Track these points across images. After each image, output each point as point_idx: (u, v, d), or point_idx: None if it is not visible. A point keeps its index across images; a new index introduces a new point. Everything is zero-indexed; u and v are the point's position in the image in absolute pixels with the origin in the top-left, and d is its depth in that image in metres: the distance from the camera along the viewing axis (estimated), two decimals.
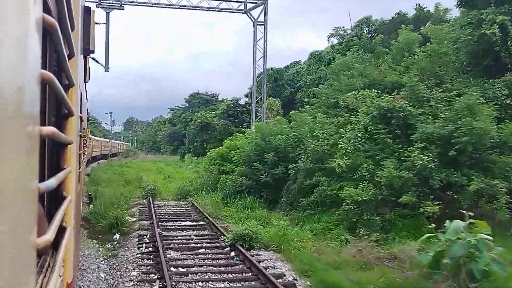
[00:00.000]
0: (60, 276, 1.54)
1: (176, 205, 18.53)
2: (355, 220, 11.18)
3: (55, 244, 1.42)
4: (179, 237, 11.85)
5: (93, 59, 11.66)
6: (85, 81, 6.07)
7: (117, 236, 11.60)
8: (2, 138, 0.60)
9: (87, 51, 4.47)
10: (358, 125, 12.68)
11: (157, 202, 18.39)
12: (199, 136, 53.61)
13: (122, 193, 17.79)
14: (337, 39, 41.92)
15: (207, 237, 11.92)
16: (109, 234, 11.72)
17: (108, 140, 59.21)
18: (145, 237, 11.65)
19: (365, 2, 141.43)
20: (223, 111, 51.43)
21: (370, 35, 32.24)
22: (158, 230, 12.03)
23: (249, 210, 14.86)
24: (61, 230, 1.55)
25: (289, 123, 19.14)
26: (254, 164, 16.75)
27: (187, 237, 11.98)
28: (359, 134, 12.34)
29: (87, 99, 8.04)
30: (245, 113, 49.72)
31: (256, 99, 33.57)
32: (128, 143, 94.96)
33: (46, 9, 1.09)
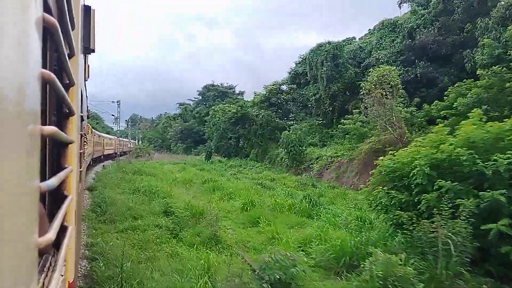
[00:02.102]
0: (62, 276, 1.54)
1: None
2: None
3: (57, 243, 1.42)
4: None
5: None
6: (84, 79, 6.06)
7: None
8: (4, 138, 0.60)
9: (88, 50, 4.46)
10: None
11: None
12: (231, 131, 42.13)
13: None
14: (411, 5, 33.97)
15: None
16: None
17: (116, 137, 58.59)
18: None
19: None
20: (263, 99, 40.98)
21: None
22: None
23: None
24: (63, 229, 1.55)
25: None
26: None
27: None
28: None
29: (87, 96, 8.04)
30: (291, 101, 39.97)
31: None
32: (135, 141, 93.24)
33: (46, 8, 1.09)
